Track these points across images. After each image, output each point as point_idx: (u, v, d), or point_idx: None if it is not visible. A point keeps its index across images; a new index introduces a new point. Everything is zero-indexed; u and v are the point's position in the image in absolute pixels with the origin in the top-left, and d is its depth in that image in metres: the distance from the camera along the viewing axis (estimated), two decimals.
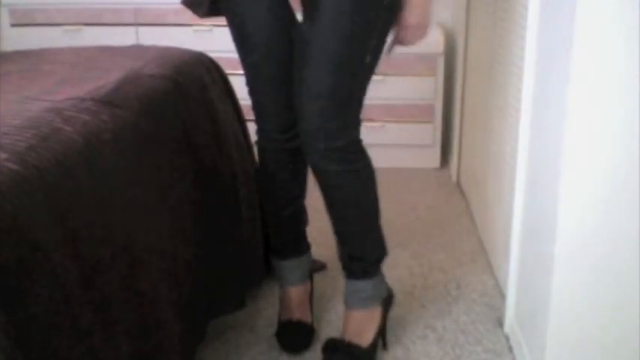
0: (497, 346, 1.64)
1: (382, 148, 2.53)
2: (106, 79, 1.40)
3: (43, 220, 0.95)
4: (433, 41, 2.70)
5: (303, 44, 1.37)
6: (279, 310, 1.71)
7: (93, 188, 1.10)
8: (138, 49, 1.86)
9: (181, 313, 1.35)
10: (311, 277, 1.75)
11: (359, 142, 1.45)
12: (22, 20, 2.87)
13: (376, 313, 1.58)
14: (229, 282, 1.60)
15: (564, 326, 1.32)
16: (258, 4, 1.43)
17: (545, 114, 1.37)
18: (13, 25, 2.87)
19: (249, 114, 1.65)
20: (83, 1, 2.84)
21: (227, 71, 1.87)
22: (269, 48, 1.46)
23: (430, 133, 2.84)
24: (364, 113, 1.44)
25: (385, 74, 2.66)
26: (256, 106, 1.56)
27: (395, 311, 1.64)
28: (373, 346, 1.56)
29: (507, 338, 1.67)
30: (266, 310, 1.80)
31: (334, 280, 1.93)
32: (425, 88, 2.77)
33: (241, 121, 1.86)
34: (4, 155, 0.96)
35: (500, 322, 1.73)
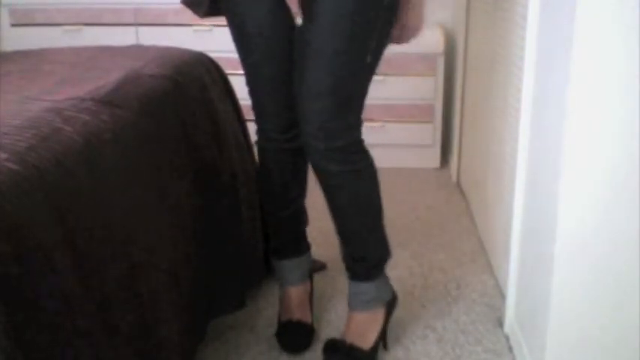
0: (497, 346, 1.64)
1: (382, 148, 2.52)
2: (106, 79, 1.40)
3: (43, 220, 0.95)
4: (433, 41, 2.71)
5: (304, 44, 1.37)
6: (279, 311, 1.71)
7: (93, 188, 1.10)
8: (138, 49, 1.86)
9: (181, 313, 1.35)
10: (311, 277, 1.75)
11: (361, 142, 1.45)
12: (22, 20, 2.87)
13: (379, 315, 1.57)
14: (229, 282, 1.60)
15: (564, 326, 1.32)
16: (259, 4, 1.43)
17: (545, 114, 1.37)
18: (13, 25, 2.87)
19: (249, 114, 1.65)
20: (83, 1, 2.84)
21: (227, 71, 1.87)
22: (269, 48, 1.46)
23: (430, 133, 2.84)
24: (364, 113, 1.44)
25: (385, 74, 2.66)
26: (256, 106, 1.56)
27: (395, 311, 1.64)
28: (374, 349, 1.56)
29: (507, 338, 1.67)
30: (266, 310, 1.80)
31: (334, 280, 1.93)
32: (425, 88, 2.77)
33: (241, 121, 1.86)
34: (4, 155, 0.96)
35: (500, 322, 1.73)
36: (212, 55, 1.84)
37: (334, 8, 1.32)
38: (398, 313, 1.66)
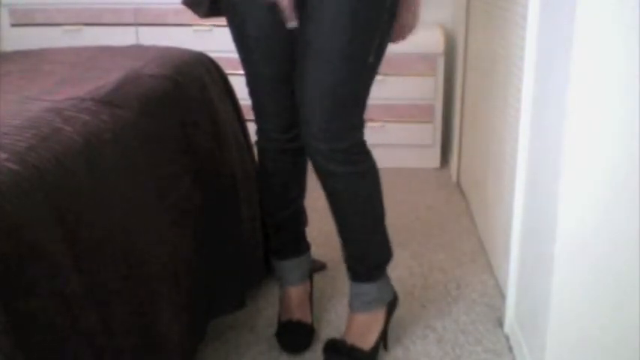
0: (497, 346, 1.64)
1: (382, 148, 2.52)
2: (106, 79, 1.40)
3: (43, 220, 0.95)
4: (433, 41, 2.71)
5: (305, 44, 1.36)
6: (279, 311, 1.71)
7: (93, 188, 1.10)
8: (138, 49, 1.86)
9: (181, 313, 1.35)
10: (311, 277, 1.75)
11: (363, 143, 1.44)
12: (22, 20, 2.87)
13: (380, 316, 1.57)
14: (229, 282, 1.60)
15: (564, 326, 1.32)
16: (259, 5, 1.42)
17: (545, 114, 1.37)
18: (13, 25, 2.87)
19: (249, 114, 1.65)
20: (83, 1, 2.84)
21: (227, 71, 1.87)
22: (269, 48, 1.46)
23: (430, 133, 2.84)
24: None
25: (385, 74, 2.66)
26: (256, 107, 1.55)
27: (395, 311, 1.64)
28: (375, 349, 1.56)
29: (507, 338, 1.67)
30: (266, 310, 1.80)
31: (334, 280, 1.93)
32: (425, 88, 2.77)
33: (241, 121, 1.86)
34: (4, 155, 0.96)
35: (500, 322, 1.73)
36: (212, 55, 1.84)
37: (337, 7, 1.31)
38: (398, 313, 1.66)
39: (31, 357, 0.89)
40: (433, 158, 2.89)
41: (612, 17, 1.14)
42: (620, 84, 1.17)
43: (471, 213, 2.39)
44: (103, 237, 1.10)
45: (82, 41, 2.78)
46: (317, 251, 1.85)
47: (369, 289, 1.55)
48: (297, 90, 1.41)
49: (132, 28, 2.84)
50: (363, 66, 1.37)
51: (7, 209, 0.88)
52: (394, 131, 2.81)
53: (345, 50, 1.33)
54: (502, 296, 1.82)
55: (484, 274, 1.99)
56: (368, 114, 1.44)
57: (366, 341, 1.55)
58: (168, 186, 1.38)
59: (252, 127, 1.65)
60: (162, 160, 1.38)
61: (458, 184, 2.70)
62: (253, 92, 1.54)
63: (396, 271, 1.95)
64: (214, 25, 2.72)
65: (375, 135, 2.71)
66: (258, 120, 1.57)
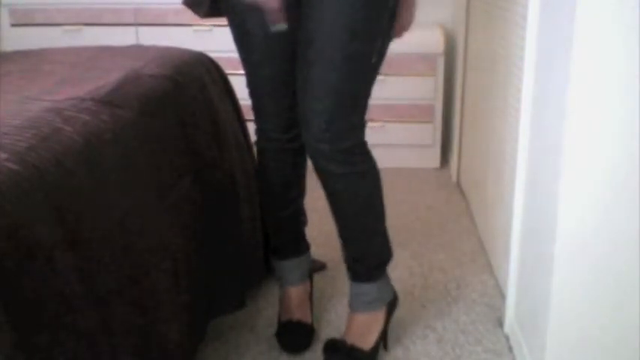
0: (497, 346, 1.64)
1: (382, 148, 2.52)
2: (106, 79, 1.40)
3: (43, 220, 0.95)
4: (433, 41, 2.71)
5: (307, 44, 1.36)
6: (279, 311, 1.71)
7: (93, 188, 1.10)
8: (138, 49, 1.86)
9: (181, 313, 1.35)
10: (311, 277, 1.75)
11: (364, 143, 1.44)
12: (22, 20, 2.87)
13: (380, 316, 1.57)
14: (229, 282, 1.60)
15: (564, 326, 1.32)
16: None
17: (545, 114, 1.37)
18: (13, 25, 2.87)
19: (249, 114, 1.65)
20: (83, 1, 2.84)
21: (227, 71, 1.87)
22: (270, 48, 1.45)
23: (430, 133, 2.84)
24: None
25: (385, 74, 2.66)
26: (257, 107, 1.55)
27: (395, 311, 1.64)
28: (375, 349, 1.56)
29: (507, 338, 1.67)
30: (266, 310, 1.80)
31: (334, 280, 1.93)
32: (425, 88, 2.77)
33: (241, 121, 1.86)
34: (4, 155, 0.96)
35: (500, 322, 1.73)
36: (212, 55, 1.84)
37: (338, 7, 1.31)
38: (398, 313, 1.66)
39: (31, 357, 0.89)
40: (433, 158, 2.89)
41: (612, 17, 1.14)
42: (620, 84, 1.17)
43: (471, 213, 2.39)
44: (103, 237, 1.10)
45: (82, 41, 2.78)
46: (317, 251, 1.85)
47: (369, 289, 1.55)
48: (299, 90, 1.40)
49: (132, 28, 2.84)
50: (367, 65, 1.37)
51: (7, 209, 0.88)
52: (394, 131, 2.81)
53: (351, 49, 1.33)
54: (502, 296, 1.82)
55: (484, 274, 1.99)
56: (368, 114, 1.44)
57: (366, 341, 1.55)
58: (168, 186, 1.38)
59: (252, 127, 1.65)
60: (162, 160, 1.38)
61: (458, 184, 2.70)
62: (253, 92, 1.54)
63: (396, 271, 1.95)
64: (214, 25, 2.72)
65: (375, 135, 2.71)
66: (258, 120, 1.57)
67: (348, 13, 1.31)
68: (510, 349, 1.62)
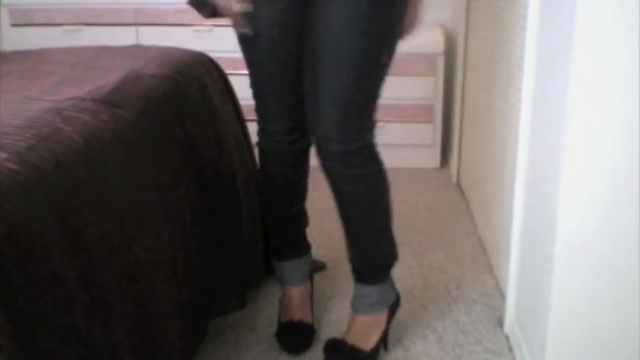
0: (497, 346, 1.64)
1: (382, 148, 2.52)
2: (106, 79, 1.40)
3: (43, 220, 0.95)
4: (433, 41, 2.71)
5: (316, 45, 1.34)
6: (279, 311, 1.71)
7: (93, 188, 1.10)
8: (138, 49, 1.86)
9: (181, 313, 1.35)
10: (311, 278, 1.74)
11: (373, 145, 1.43)
12: (22, 20, 2.87)
13: (381, 318, 1.57)
14: (229, 282, 1.60)
15: (564, 326, 1.32)
16: (264, 4, 1.40)
17: (545, 114, 1.37)
18: (13, 25, 2.87)
19: (249, 114, 1.64)
20: (83, 1, 2.84)
21: (227, 71, 1.86)
22: (275, 48, 1.44)
23: (430, 133, 2.84)
24: None
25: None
26: (260, 107, 1.54)
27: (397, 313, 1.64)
28: (375, 350, 1.56)
29: (507, 338, 1.67)
30: (266, 310, 1.80)
31: (334, 280, 1.93)
32: (425, 88, 2.77)
33: (241, 122, 1.86)
34: (4, 155, 0.96)
35: (500, 322, 1.73)
36: (212, 55, 1.84)
37: (347, 6, 1.30)
38: (398, 313, 1.66)
39: (31, 357, 0.89)
40: (433, 158, 2.89)
41: (612, 17, 1.14)
42: (620, 84, 1.17)
43: (471, 213, 2.39)
44: (103, 237, 1.10)
45: (82, 41, 2.78)
46: (317, 251, 1.85)
47: (372, 291, 1.55)
48: (308, 90, 1.39)
49: (132, 28, 2.84)
50: (378, 65, 1.36)
51: (7, 209, 0.88)
52: (394, 131, 2.81)
53: (361, 49, 1.31)
54: (502, 296, 1.82)
55: (484, 274, 1.99)
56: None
57: (367, 342, 1.54)
58: (168, 186, 1.38)
59: (252, 128, 1.64)
60: (162, 160, 1.38)
61: (458, 184, 2.70)
62: (257, 93, 1.52)
63: (396, 271, 1.94)
64: (214, 25, 2.72)
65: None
66: (261, 121, 1.56)
67: (356, 12, 1.30)
68: (510, 349, 1.62)
